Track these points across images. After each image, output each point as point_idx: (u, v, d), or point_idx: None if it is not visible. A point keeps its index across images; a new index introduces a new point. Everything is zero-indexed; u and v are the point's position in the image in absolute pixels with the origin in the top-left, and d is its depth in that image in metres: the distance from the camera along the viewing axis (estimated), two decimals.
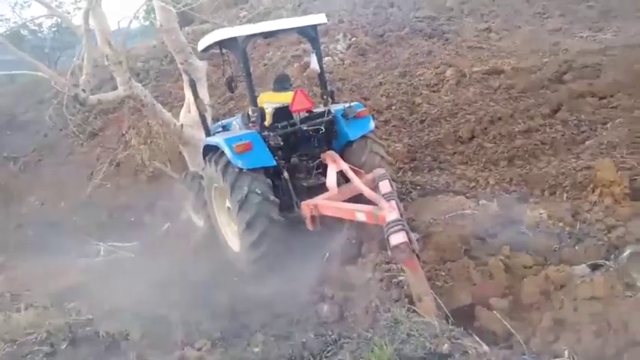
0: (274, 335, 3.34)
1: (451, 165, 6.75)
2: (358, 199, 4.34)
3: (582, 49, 9.82)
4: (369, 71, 10.89)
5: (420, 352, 2.65)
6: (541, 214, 4.32)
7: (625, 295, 2.68)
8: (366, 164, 4.89)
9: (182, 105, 7.88)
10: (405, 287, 3.44)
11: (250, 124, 5.03)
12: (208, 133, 5.70)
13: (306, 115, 4.98)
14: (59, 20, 15.45)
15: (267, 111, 5.02)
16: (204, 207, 5.55)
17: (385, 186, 4.22)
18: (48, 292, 5.11)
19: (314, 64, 5.15)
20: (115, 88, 6.67)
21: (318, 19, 4.89)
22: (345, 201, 4.38)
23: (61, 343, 3.49)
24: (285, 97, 5.02)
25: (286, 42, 12.49)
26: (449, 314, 3.10)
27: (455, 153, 7.03)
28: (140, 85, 6.92)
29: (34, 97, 14.34)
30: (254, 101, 4.79)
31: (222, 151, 4.56)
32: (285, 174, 4.72)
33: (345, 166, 4.61)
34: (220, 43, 4.93)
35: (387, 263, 3.89)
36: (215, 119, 7.49)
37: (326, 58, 10.69)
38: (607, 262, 3.20)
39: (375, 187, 4.31)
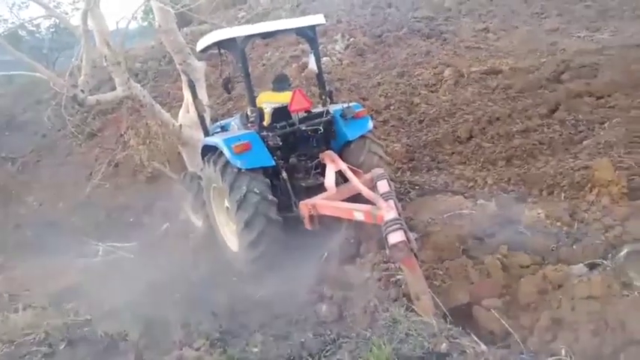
0: (273, 335, 3.33)
1: (449, 165, 6.76)
2: (357, 198, 4.35)
3: (580, 49, 9.85)
4: (368, 71, 10.91)
5: (419, 351, 2.65)
6: (539, 213, 4.32)
7: (622, 295, 2.69)
8: (365, 164, 4.90)
9: (181, 105, 7.88)
10: (403, 286, 3.45)
11: (249, 125, 5.03)
12: (207, 134, 5.70)
13: (305, 115, 4.99)
14: (57, 21, 15.43)
15: (265, 111, 5.03)
16: (203, 207, 5.55)
17: (383, 185, 4.23)
18: (46, 292, 5.11)
19: (312, 65, 5.17)
20: (114, 88, 6.66)
21: (317, 19, 4.90)
22: (343, 201, 4.39)
23: (60, 344, 3.49)
24: (284, 97, 5.03)
25: (285, 42, 12.49)
26: (447, 313, 3.11)
27: (453, 153, 7.05)
28: (139, 85, 6.91)
29: (33, 97, 14.33)
30: (253, 101, 4.80)
31: (221, 152, 4.56)
32: (284, 174, 4.72)
33: (343, 166, 4.63)
34: (219, 44, 4.94)
35: (385, 262, 3.89)
36: (214, 120, 7.50)
37: (324, 59, 10.70)
38: (604, 262, 3.21)
39: (373, 187, 4.32)
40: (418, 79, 9.91)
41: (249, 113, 4.93)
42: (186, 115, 7.39)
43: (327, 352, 3.00)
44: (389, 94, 9.46)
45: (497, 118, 7.29)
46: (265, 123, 4.94)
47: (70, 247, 6.91)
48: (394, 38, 12.23)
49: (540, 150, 6.23)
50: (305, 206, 4.39)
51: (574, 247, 3.67)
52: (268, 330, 3.47)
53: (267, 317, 3.69)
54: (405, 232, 3.19)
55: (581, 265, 3.31)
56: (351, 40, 12.32)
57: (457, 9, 14.09)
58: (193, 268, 5.26)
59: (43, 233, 8.33)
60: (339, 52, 11.96)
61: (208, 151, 4.98)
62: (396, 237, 3.14)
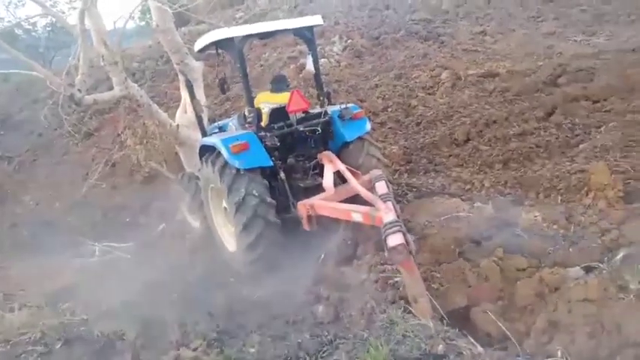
0: (270, 335, 3.33)
1: (446, 167, 6.78)
2: (355, 199, 4.35)
3: (576, 53, 9.91)
4: (365, 73, 10.93)
5: (416, 352, 2.66)
6: (536, 216, 4.35)
7: (618, 298, 2.70)
8: (363, 166, 4.91)
9: (178, 105, 7.88)
10: (401, 289, 3.46)
11: (246, 125, 5.03)
12: (205, 134, 5.69)
13: (303, 115, 4.99)
14: (54, 20, 15.40)
15: (263, 111, 5.03)
16: (201, 208, 5.54)
17: (382, 187, 4.24)
18: (42, 292, 5.09)
19: (309, 66, 5.17)
20: (111, 88, 6.65)
21: (314, 20, 4.90)
22: (341, 201, 4.40)
23: (56, 343, 3.46)
24: (281, 98, 5.03)
25: (282, 43, 12.50)
26: (444, 316, 3.12)
27: (450, 155, 7.07)
28: (136, 85, 6.90)
29: (29, 96, 14.26)
30: (251, 102, 4.80)
31: (219, 152, 4.55)
32: (282, 174, 4.72)
33: (342, 167, 4.62)
34: (217, 44, 4.94)
35: (383, 264, 3.90)
36: (211, 120, 7.49)
37: (322, 60, 10.71)
38: (601, 265, 3.23)
39: (371, 188, 4.32)
40: (415, 82, 9.94)
41: (246, 113, 4.93)
42: (184, 115, 7.38)
43: (324, 352, 3.00)
44: (386, 96, 9.48)
45: (494, 121, 7.32)
46: (263, 123, 4.94)
47: (66, 247, 6.89)
48: (392, 40, 12.27)
49: (537, 153, 6.25)
50: (303, 207, 4.39)
51: (570, 250, 3.69)
52: (265, 330, 3.46)
53: (264, 318, 3.68)
54: (404, 235, 3.20)
55: (577, 268, 3.32)
56: (349, 41, 12.35)
57: (454, 12, 14.15)
58: (190, 269, 5.25)
59: (39, 233, 8.30)
60: (337, 54, 11.98)
61: (206, 151, 4.98)
62: (395, 240, 3.15)
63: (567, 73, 8.31)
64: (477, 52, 11.38)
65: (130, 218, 8.29)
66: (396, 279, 3.59)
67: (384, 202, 3.80)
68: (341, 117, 4.99)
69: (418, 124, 8.34)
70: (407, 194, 5.93)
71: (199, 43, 5.11)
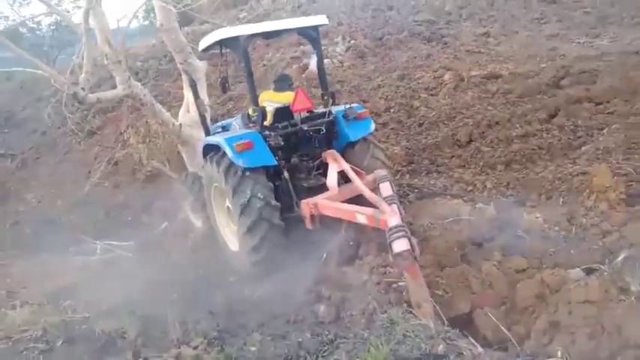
0: (271, 335, 3.34)
1: (449, 168, 6.78)
2: (358, 199, 4.34)
3: (579, 55, 9.90)
4: (368, 74, 10.94)
5: (416, 352, 2.67)
6: (537, 218, 4.35)
7: (619, 299, 2.70)
8: (367, 169, 4.89)
9: (181, 104, 7.89)
10: (404, 293, 3.45)
11: (250, 124, 5.03)
12: (208, 133, 5.70)
13: (307, 115, 4.99)
14: (58, 18, 15.45)
15: (268, 110, 5.02)
16: (203, 208, 5.55)
17: (386, 189, 4.22)
18: (44, 289, 5.10)
19: (313, 66, 5.18)
20: (114, 86, 6.67)
21: (320, 20, 4.88)
22: (344, 201, 4.38)
23: (57, 341, 3.48)
24: (285, 97, 5.03)
25: (285, 43, 12.51)
26: (446, 321, 3.11)
27: (452, 156, 7.06)
28: (139, 84, 6.92)
29: (33, 94, 14.32)
30: (255, 101, 4.78)
31: (224, 152, 4.54)
32: (286, 174, 4.72)
33: (346, 166, 4.60)
34: (222, 43, 4.92)
35: (384, 267, 3.90)
36: (213, 120, 7.51)
37: (325, 60, 10.69)
38: (602, 267, 3.23)
39: (375, 189, 4.31)
40: (418, 83, 9.94)
41: (251, 112, 4.93)
42: (187, 114, 7.39)
43: (324, 352, 3.01)
44: (389, 97, 9.48)
45: (497, 123, 7.32)
46: (267, 123, 4.93)
47: (68, 245, 6.91)
48: (395, 41, 12.27)
49: (539, 155, 6.25)
50: (306, 205, 4.38)
51: (572, 251, 3.69)
52: (266, 329, 3.47)
53: (265, 317, 3.69)
54: (410, 240, 3.19)
55: (578, 269, 3.33)
56: (352, 42, 12.35)
57: (458, 13, 14.13)
58: (192, 268, 5.26)
59: (41, 231, 8.33)
60: (340, 54, 11.99)
61: (210, 150, 4.97)
62: (400, 245, 3.14)
63: (570, 75, 8.30)
64: (480, 54, 11.36)
65: (132, 217, 8.30)
66: (400, 283, 3.58)
67: (389, 204, 3.78)
68: (345, 117, 4.97)
69: (420, 124, 8.33)
70: (409, 195, 5.93)
71: (204, 42, 5.11)
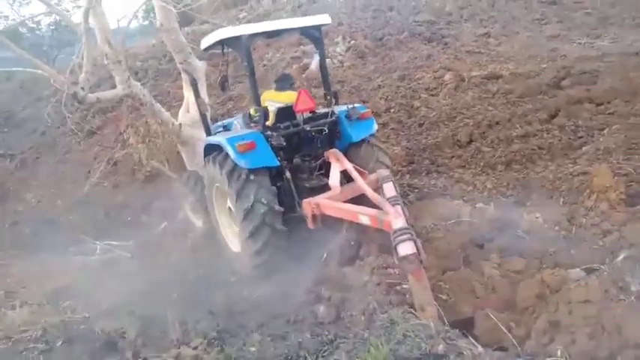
0: (271, 335, 3.33)
1: (449, 168, 6.78)
2: (360, 199, 4.31)
3: (580, 56, 9.89)
4: (368, 74, 10.93)
5: (416, 352, 2.66)
6: (537, 218, 4.35)
7: (619, 299, 2.70)
8: (369, 170, 4.85)
9: (180, 104, 7.89)
10: (407, 296, 3.43)
11: (252, 124, 5.01)
12: (209, 133, 5.66)
13: (309, 115, 4.96)
14: (58, 18, 15.46)
15: (270, 110, 4.99)
16: (204, 208, 5.53)
17: (390, 189, 4.19)
18: (43, 289, 5.10)
19: (314, 65, 5.17)
20: (114, 86, 6.66)
21: (322, 19, 4.85)
22: (347, 201, 4.36)
23: (57, 341, 3.48)
24: (287, 97, 5.01)
25: (285, 43, 12.52)
26: (449, 325, 3.09)
27: (453, 157, 7.06)
28: (139, 84, 6.91)
29: (32, 94, 14.31)
30: (257, 100, 4.75)
31: (227, 154, 4.49)
32: (288, 174, 4.69)
33: (349, 166, 4.56)
34: (224, 42, 4.89)
35: (385, 268, 3.89)
36: (213, 120, 7.50)
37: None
38: (602, 266, 3.22)
39: (378, 189, 4.29)
40: (419, 83, 9.93)
41: (253, 112, 4.91)
42: (186, 114, 7.39)
43: (324, 352, 3.00)
44: (389, 97, 9.48)
45: (497, 123, 7.32)
46: (269, 122, 4.89)
47: (67, 245, 6.90)
48: (395, 41, 12.26)
49: (540, 155, 6.25)
50: (308, 205, 4.37)
51: (572, 251, 3.69)
52: (266, 330, 3.47)
53: (265, 317, 3.69)
54: (415, 243, 3.16)
55: (578, 269, 3.33)
56: (352, 42, 12.35)
57: (458, 13, 14.13)
58: (191, 268, 5.25)
59: (40, 231, 8.32)
60: (340, 55, 11.99)
61: (211, 150, 4.94)
62: (406, 249, 3.12)
63: (571, 75, 8.30)
64: (481, 54, 11.36)
65: (131, 217, 8.29)
66: (403, 285, 3.56)
67: (393, 205, 3.73)
68: (348, 117, 4.94)
69: (421, 125, 8.33)
70: (409, 195, 5.93)
71: (205, 42, 5.08)
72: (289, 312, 3.72)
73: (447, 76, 9.79)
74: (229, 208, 4.88)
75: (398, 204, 3.84)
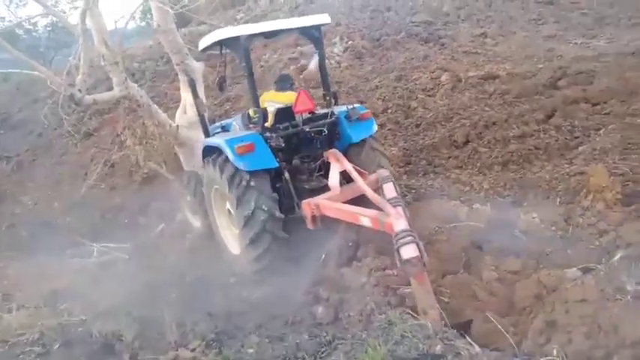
0: (269, 336, 3.33)
1: (446, 169, 6.79)
2: (360, 199, 4.30)
3: (576, 56, 9.93)
4: (366, 74, 10.95)
5: (414, 352, 2.67)
6: (534, 218, 4.36)
7: (615, 298, 2.71)
8: (369, 171, 4.84)
9: (178, 106, 7.88)
10: (407, 300, 3.42)
11: (251, 125, 4.99)
12: (207, 134, 5.64)
13: (309, 116, 4.93)
14: (55, 19, 15.43)
15: (269, 110, 4.97)
16: (202, 208, 5.51)
17: (390, 190, 4.16)
18: (40, 292, 5.07)
19: (312, 66, 5.16)
20: (111, 88, 6.65)
21: (322, 19, 4.81)
22: (346, 202, 4.33)
23: (54, 344, 3.47)
24: (287, 97, 4.98)
25: (283, 44, 12.52)
26: (452, 327, 3.08)
27: (450, 157, 7.07)
28: (136, 85, 6.90)
29: (29, 96, 14.27)
30: (256, 101, 4.72)
31: (227, 157, 4.45)
32: (287, 175, 4.67)
33: (348, 166, 4.53)
34: (222, 43, 4.87)
35: (383, 269, 3.89)
36: (211, 121, 7.49)
37: None
38: (598, 266, 3.23)
39: (378, 189, 4.27)
40: (416, 83, 9.95)
41: (252, 113, 4.89)
42: (184, 115, 7.38)
43: (322, 353, 3.01)
44: (386, 98, 9.49)
45: (494, 123, 7.33)
46: (268, 124, 4.86)
47: (64, 248, 6.88)
48: (392, 42, 12.28)
49: (536, 155, 6.26)
50: (308, 206, 4.34)
51: (568, 251, 3.70)
52: (264, 331, 3.47)
53: (263, 318, 3.69)
54: (418, 246, 3.13)
55: (575, 269, 3.33)
56: (350, 43, 12.37)
57: (455, 14, 14.17)
58: (189, 269, 5.24)
59: (37, 233, 8.28)
60: (338, 55, 12.00)
61: (210, 151, 4.91)
62: (409, 252, 3.09)
63: (567, 75, 8.32)
64: (478, 55, 11.39)
65: (128, 219, 8.28)
66: (406, 290, 3.55)
67: (394, 206, 3.70)
68: (348, 117, 4.91)
69: (418, 125, 8.35)
70: (406, 196, 5.93)
71: (204, 42, 5.05)
72: (287, 313, 3.72)
73: (444, 77, 9.80)
74: (228, 210, 4.87)
75: (399, 205, 3.80)
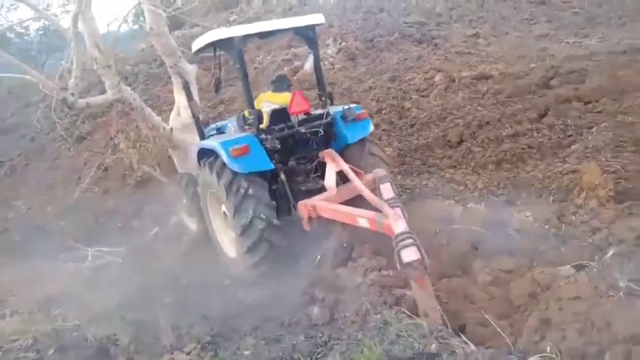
0: (264, 338, 3.33)
1: (440, 169, 6.81)
2: (357, 199, 4.27)
3: (568, 55, 10.00)
4: (359, 76, 10.97)
5: (409, 352, 2.68)
6: (528, 216, 4.39)
7: (608, 295, 2.73)
8: (365, 170, 4.81)
9: (171, 108, 7.85)
10: (404, 303, 3.40)
11: (246, 127, 4.96)
12: (202, 136, 5.60)
13: (304, 117, 4.88)
14: (47, 23, 15.34)
15: (264, 111, 4.93)
16: (198, 210, 5.48)
17: (387, 190, 4.11)
18: (34, 297, 5.02)
19: (307, 66, 5.14)
20: (104, 91, 6.62)
21: (316, 19, 4.77)
22: (343, 202, 4.30)
23: (48, 349, 3.45)
24: (284, 98, 4.94)
25: (276, 46, 12.53)
26: (452, 329, 3.09)
27: (444, 157, 7.10)
28: (129, 88, 6.89)
29: (21, 100, 14.19)
30: (251, 103, 4.68)
31: (224, 162, 4.40)
32: (282, 176, 4.64)
33: (345, 166, 4.48)
34: (215, 44, 4.83)
35: (379, 270, 3.89)
36: (205, 123, 7.47)
37: None
38: (591, 263, 3.26)
39: (375, 189, 4.23)
40: (409, 84, 9.98)
41: (247, 115, 4.84)
42: (177, 118, 7.36)
43: (318, 354, 3.01)
44: (380, 99, 9.51)
45: (487, 123, 7.36)
46: (263, 125, 4.80)
47: (58, 252, 6.83)
48: (386, 43, 12.32)
49: (529, 154, 6.30)
50: (304, 207, 4.31)
51: (562, 249, 3.73)
52: (260, 333, 3.46)
53: (258, 320, 3.67)
54: (419, 249, 3.10)
55: (568, 266, 3.36)
56: (343, 44, 12.39)
57: (448, 15, 14.24)
58: (185, 272, 5.22)
59: (31, 238, 8.22)
60: (331, 57, 12.02)
61: (205, 154, 4.87)
62: (410, 255, 3.06)
63: (559, 74, 8.38)
64: (471, 55, 11.45)
65: (122, 222, 8.22)
66: (401, 291, 3.55)
67: (392, 207, 3.65)
68: (344, 118, 4.87)
69: (412, 125, 8.37)
70: (401, 195, 5.94)
71: (197, 44, 5.00)
72: (283, 314, 3.71)
73: (437, 77, 9.84)
74: (224, 212, 4.84)
75: (397, 206, 3.76)
